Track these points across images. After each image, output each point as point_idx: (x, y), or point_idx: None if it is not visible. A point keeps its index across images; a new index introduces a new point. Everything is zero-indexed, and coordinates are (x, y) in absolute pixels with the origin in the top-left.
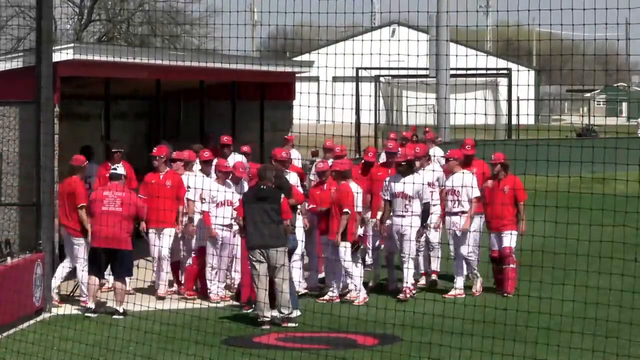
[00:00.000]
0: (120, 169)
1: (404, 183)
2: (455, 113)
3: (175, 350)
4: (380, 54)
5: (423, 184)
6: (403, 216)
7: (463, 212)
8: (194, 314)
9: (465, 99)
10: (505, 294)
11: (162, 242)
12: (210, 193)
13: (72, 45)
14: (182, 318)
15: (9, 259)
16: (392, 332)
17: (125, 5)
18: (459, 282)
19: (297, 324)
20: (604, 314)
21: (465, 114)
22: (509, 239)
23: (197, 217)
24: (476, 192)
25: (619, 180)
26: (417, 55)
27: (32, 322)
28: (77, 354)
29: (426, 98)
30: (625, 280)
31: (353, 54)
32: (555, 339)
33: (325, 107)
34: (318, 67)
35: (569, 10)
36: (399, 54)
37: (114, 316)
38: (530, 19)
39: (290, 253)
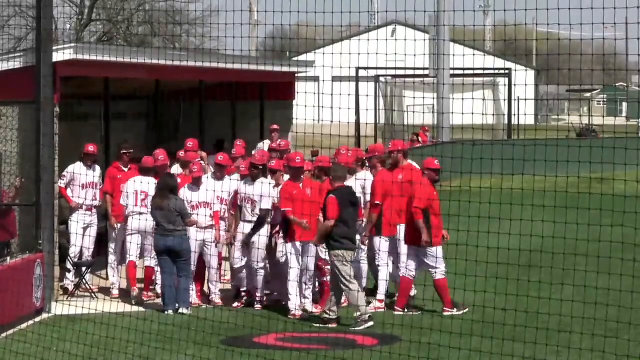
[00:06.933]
0: None
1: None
2: (453, 113)
3: (175, 350)
4: (378, 53)
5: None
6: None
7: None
8: (194, 314)
9: (463, 99)
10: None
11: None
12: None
13: (72, 45)
14: (182, 318)
15: (8, 259)
16: (392, 332)
17: (125, 5)
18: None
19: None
20: (603, 314)
21: (463, 113)
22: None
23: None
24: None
25: (618, 180)
26: (415, 55)
27: (31, 322)
28: (76, 355)
29: (423, 98)
30: (625, 280)
31: (350, 54)
32: (554, 339)
33: (324, 107)
34: (315, 67)
35: (568, 10)
36: (396, 54)
37: None
38: (530, 19)
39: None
